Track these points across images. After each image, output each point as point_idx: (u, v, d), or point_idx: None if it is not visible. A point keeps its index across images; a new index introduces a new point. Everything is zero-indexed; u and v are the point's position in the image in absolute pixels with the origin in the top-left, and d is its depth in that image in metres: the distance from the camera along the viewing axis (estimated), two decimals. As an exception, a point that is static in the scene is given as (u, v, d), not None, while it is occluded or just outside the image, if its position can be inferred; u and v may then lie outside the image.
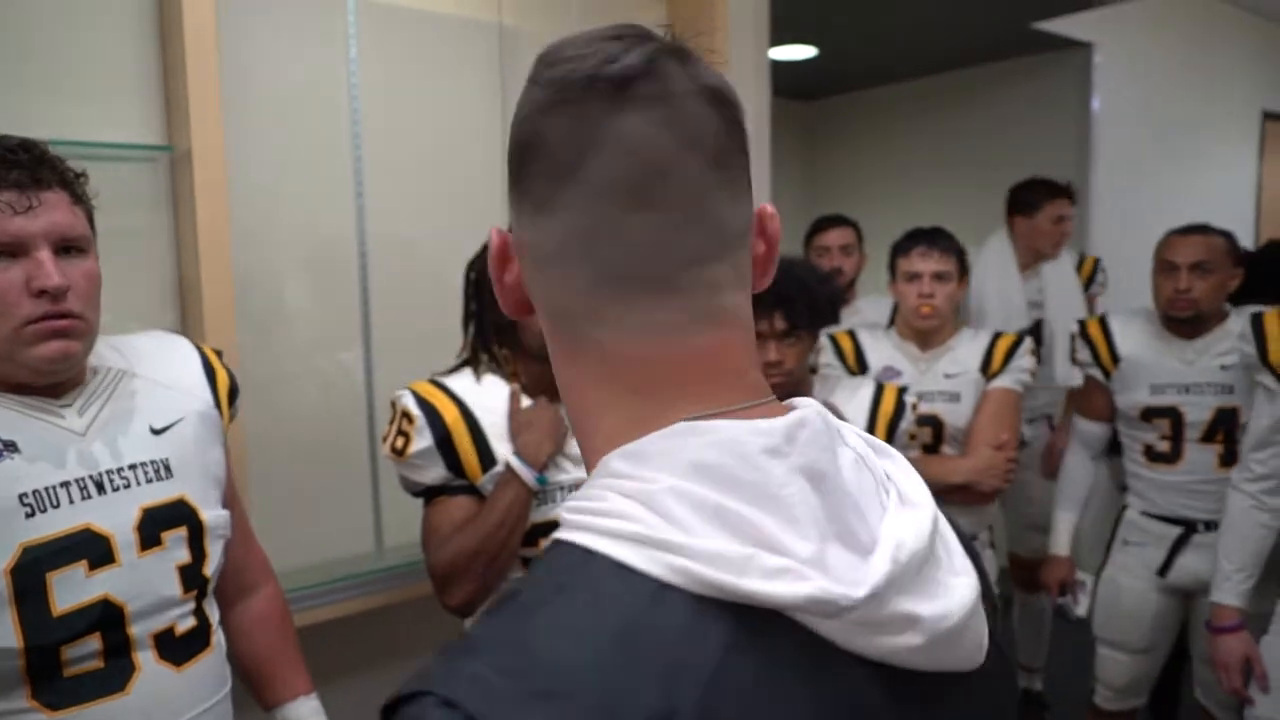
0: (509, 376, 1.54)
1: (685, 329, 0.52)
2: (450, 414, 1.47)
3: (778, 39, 3.41)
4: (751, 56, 2.48)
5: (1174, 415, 2.18)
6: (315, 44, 1.83)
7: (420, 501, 1.52)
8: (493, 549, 1.41)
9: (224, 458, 1.26)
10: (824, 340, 2.29)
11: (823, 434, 0.51)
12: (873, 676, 0.49)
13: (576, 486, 1.51)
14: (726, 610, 0.46)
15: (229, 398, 1.30)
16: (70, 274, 1.03)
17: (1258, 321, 2.00)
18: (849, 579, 0.47)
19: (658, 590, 0.46)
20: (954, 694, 0.53)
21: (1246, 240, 5.11)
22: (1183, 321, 2.19)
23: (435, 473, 1.47)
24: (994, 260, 2.99)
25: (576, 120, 0.51)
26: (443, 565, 1.43)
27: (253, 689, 1.34)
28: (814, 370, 2.20)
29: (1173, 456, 2.21)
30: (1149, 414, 2.21)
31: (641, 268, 0.51)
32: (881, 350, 2.22)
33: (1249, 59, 5.15)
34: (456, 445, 1.46)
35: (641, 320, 0.52)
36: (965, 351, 2.17)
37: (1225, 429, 2.14)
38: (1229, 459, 2.14)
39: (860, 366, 2.21)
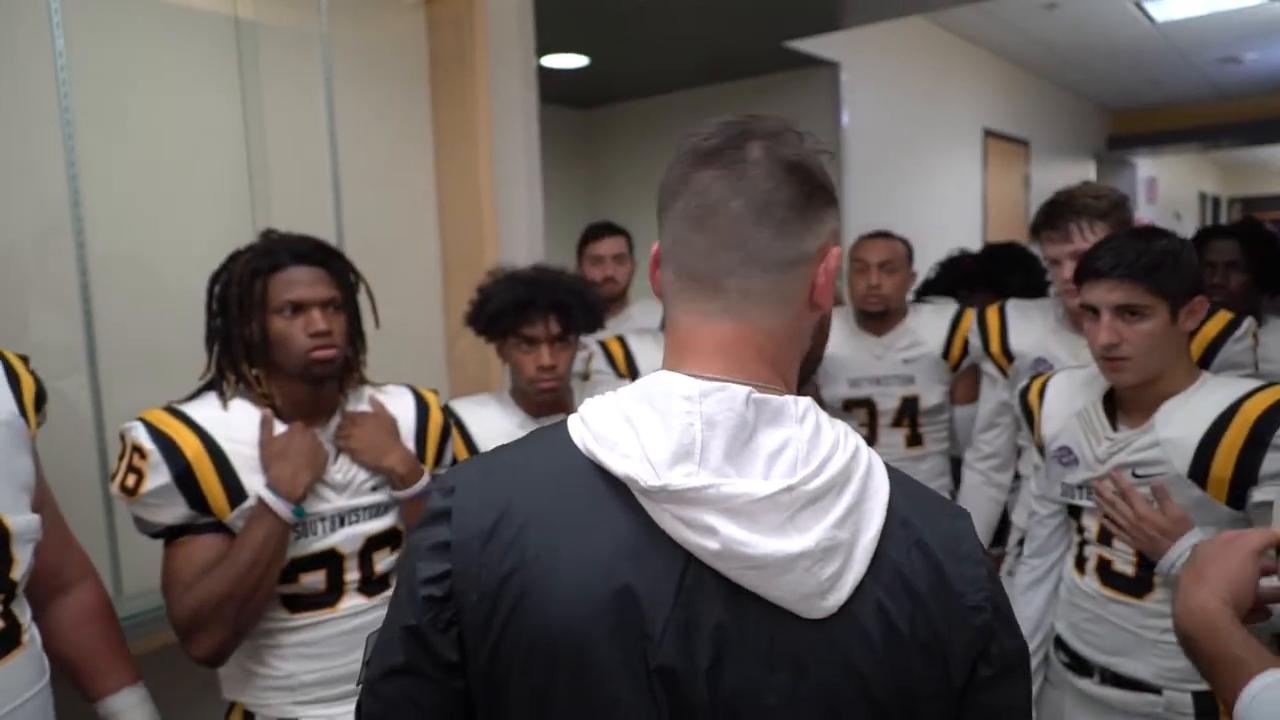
0: (260, 400, 1.43)
1: (715, 317, 0.75)
2: (191, 446, 1.34)
3: (549, 47, 3.42)
4: (518, 63, 2.46)
5: (869, 404, 2.44)
6: (13, 35, 1.61)
7: (161, 543, 1.37)
8: (245, 591, 1.30)
9: (32, 464, 1.22)
10: (595, 347, 2.32)
11: (735, 405, 0.70)
12: (682, 560, 0.69)
13: (340, 516, 1.43)
14: (594, 468, 0.72)
15: (35, 404, 1.25)
16: None
17: (981, 316, 2.27)
18: (665, 476, 0.67)
19: (568, 443, 0.74)
20: (775, 623, 0.68)
21: (976, 240, 5.73)
22: (872, 317, 2.46)
23: (175, 511, 1.33)
24: None
25: (678, 174, 0.76)
26: (188, 613, 1.30)
27: (77, 683, 1.31)
28: (586, 377, 2.21)
29: (870, 440, 2.49)
30: (849, 405, 2.47)
31: (698, 270, 0.75)
32: (650, 354, 2.28)
33: (973, 83, 5.77)
34: (199, 480, 1.33)
35: (693, 306, 0.75)
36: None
37: (910, 414, 2.45)
38: (914, 440, 2.46)
39: (631, 371, 2.25)
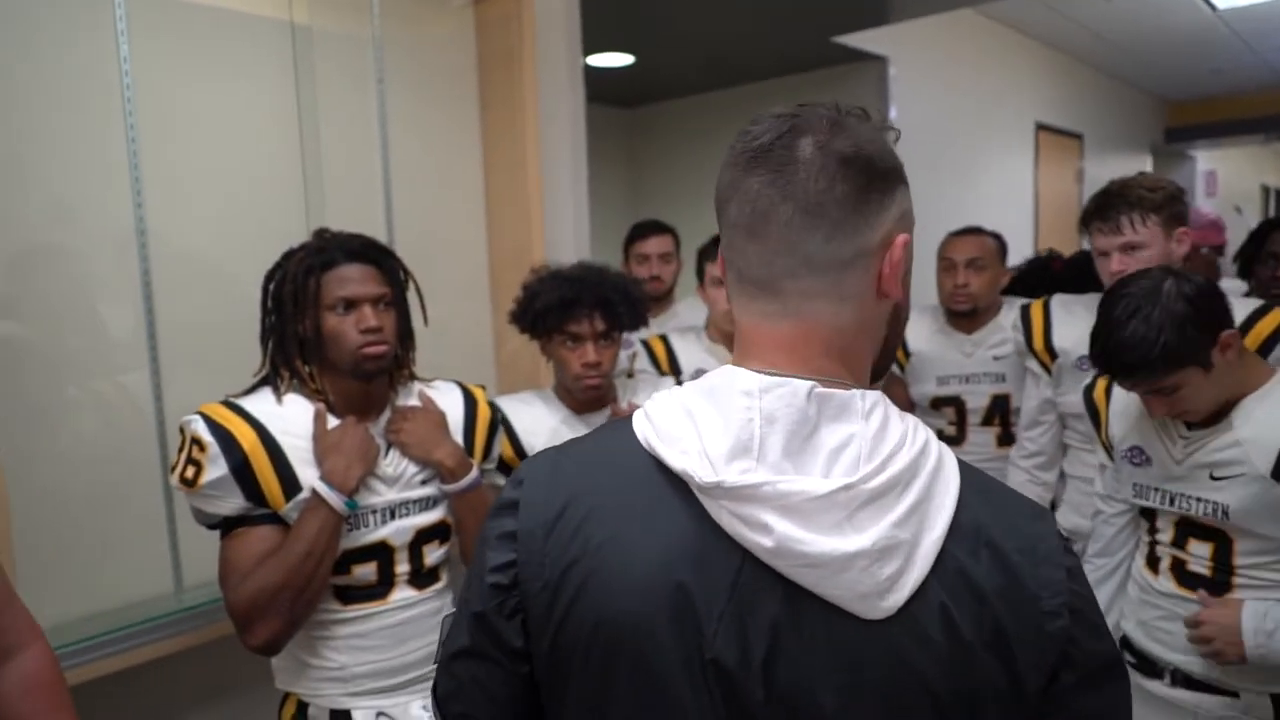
0: (313, 395, 1.46)
1: (776, 317, 0.74)
2: (248, 439, 1.37)
3: (594, 46, 3.43)
4: (565, 62, 2.47)
5: (958, 403, 2.40)
6: (80, 40, 1.66)
7: (218, 534, 1.41)
8: (299, 582, 1.32)
9: None
10: (638, 346, 2.32)
11: (795, 400, 0.70)
12: (738, 556, 0.69)
13: (392, 509, 1.46)
14: (658, 466, 0.72)
15: None
16: None
17: (1025, 312, 2.23)
18: (721, 473, 0.68)
19: (631, 438, 0.75)
20: (831, 622, 0.68)
21: (1028, 236, 5.61)
22: (961, 315, 2.41)
23: (232, 503, 1.36)
24: None
25: (729, 179, 0.75)
26: (244, 602, 1.32)
27: None
28: (630, 375, 2.22)
29: (959, 439, 2.45)
30: (937, 403, 2.43)
31: (756, 276, 0.74)
32: (692, 353, 2.28)
33: (1024, 75, 5.65)
34: (256, 472, 1.36)
35: (753, 307, 0.75)
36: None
37: (1000, 413, 2.41)
38: (1005, 439, 2.40)
39: (673, 369, 2.25)
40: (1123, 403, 1.62)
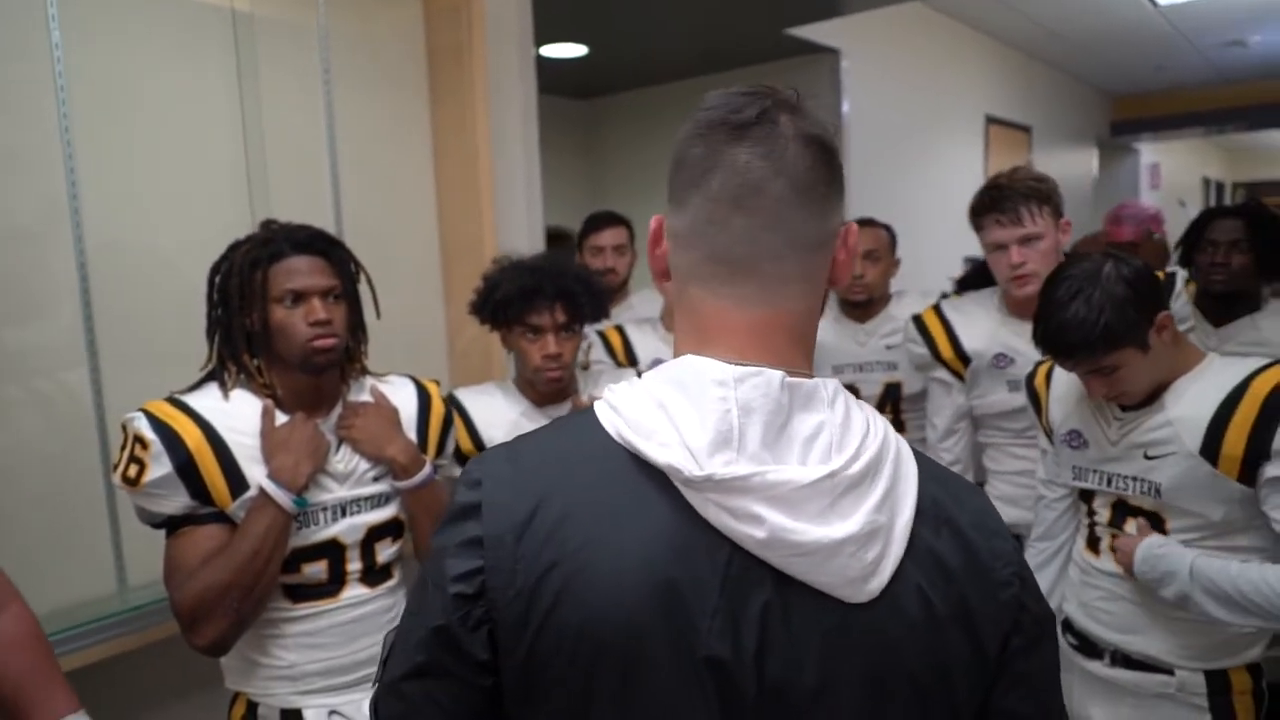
0: (261, 390, 1.43)
1: (748, 302, 0.72)
2: (192, 436, 1.34)
3: (547, 36, 3.41)
4: (516, 53, 2.45)
5: (852, 391, 2.42)
6: (8, 25, 1.61)
7: (163, 533, 1.38)
8: (248, 581, 1.30)
9: None
10: (594, 337, 2.32)
11: (770, 390, 0.69)
12: (726, 549, 0.67)
13: (343, 506, 1.44)
14: (628, 457, 0.70)
15: None
16: None
17: (920, 323, 2.19)
18: (707, 466, 0.66)
19: (599, 431, 0.72)
20: (819, 608, 0.68)
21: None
22: (856, 305, 2.47)
23: (177, 502, 1.33)
24: None
25: (708, 149, 0.72)
26: (190, 602, 1.30)
27: (12, 715, 1.22)
28: (586, 367, 2.21)
29: None
30: None
31: (734, 255, 0.72)
32: (649, 344, 2.28)
33: (974, 69, 5.74)
34: (201, 470, 1.33)
35: (722, 291, 0.72)
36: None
37: (892, 400, 2.46)
38: (896, 426, 2.38)
39: (630, 361, 2.25)
40: (1062, 388, 1.66)
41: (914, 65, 5.03)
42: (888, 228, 2.49)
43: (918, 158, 5.12)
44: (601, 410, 0.73)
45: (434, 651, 0.70)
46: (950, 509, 0.73)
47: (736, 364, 0.70)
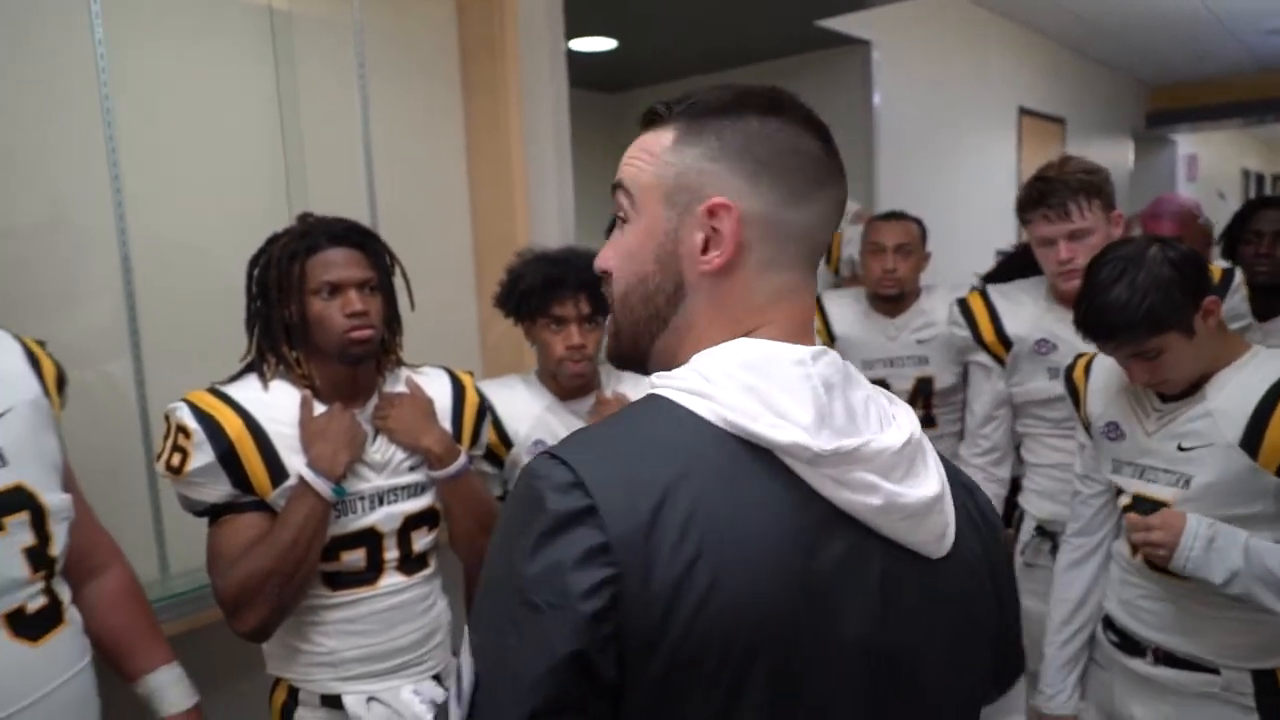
0: (300, 381, 1.45)
1: (801, 292, 0.75)
2: (233, 426, 1.36)
3: (577, 30, 3.41)
4: (547, 47, 2.46)
5: (883, 386, 2.39)
6: (54, 25, 1.64)
7: (205, 521, 1.40)
8: (288, 568, 1.32)
9: (59, 444, 1.28)
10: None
11: (838, 366, 0.72)
12: (841, 524, 0.68)
13: (379, 495, 1.45)
14: (734, 442, 0.67)
15: (57, 386, 1.31)
16: None
17: (965, 306, 2.17)
18: (825, 443, 0.66)
19: (693, 419, 0.68)
20: (915, 570, 0.71)
21: (1010, 222, 5.64)
22: (886, 299, 2.43)
23: (219, 490, 1.36)
24: None
25: (774, 127, 0.74)
26: (232, 589, 1.32)
27: (115, 665, 1.36)
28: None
29: None
30: None
31: (804, 237, 0.74)
32: None
33: (1006, 60, 5.67)
34: (242, 459, 1.36)
35: (779, 280, 0.74)
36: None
37: (924, 395, 2.42)
38: (928, 422, 2.41)
39: None
40: (1101, 380, 1.63)
41: (946, 56, 4.97)
42: (919, 221, 2.47)
43: (949, 150, 5.06)
44: (680, 397, 0.69)
45: (564, 687, 0.60)
46: (951, 470, 0.78)
47: (798, 345, 0.72)
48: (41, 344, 1.32)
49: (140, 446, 1.75)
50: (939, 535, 0.72)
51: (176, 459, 1.35)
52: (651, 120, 0.81)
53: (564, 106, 2.52)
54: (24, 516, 1.17)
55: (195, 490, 1.37)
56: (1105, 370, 1.62)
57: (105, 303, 1.72)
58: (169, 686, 1.37)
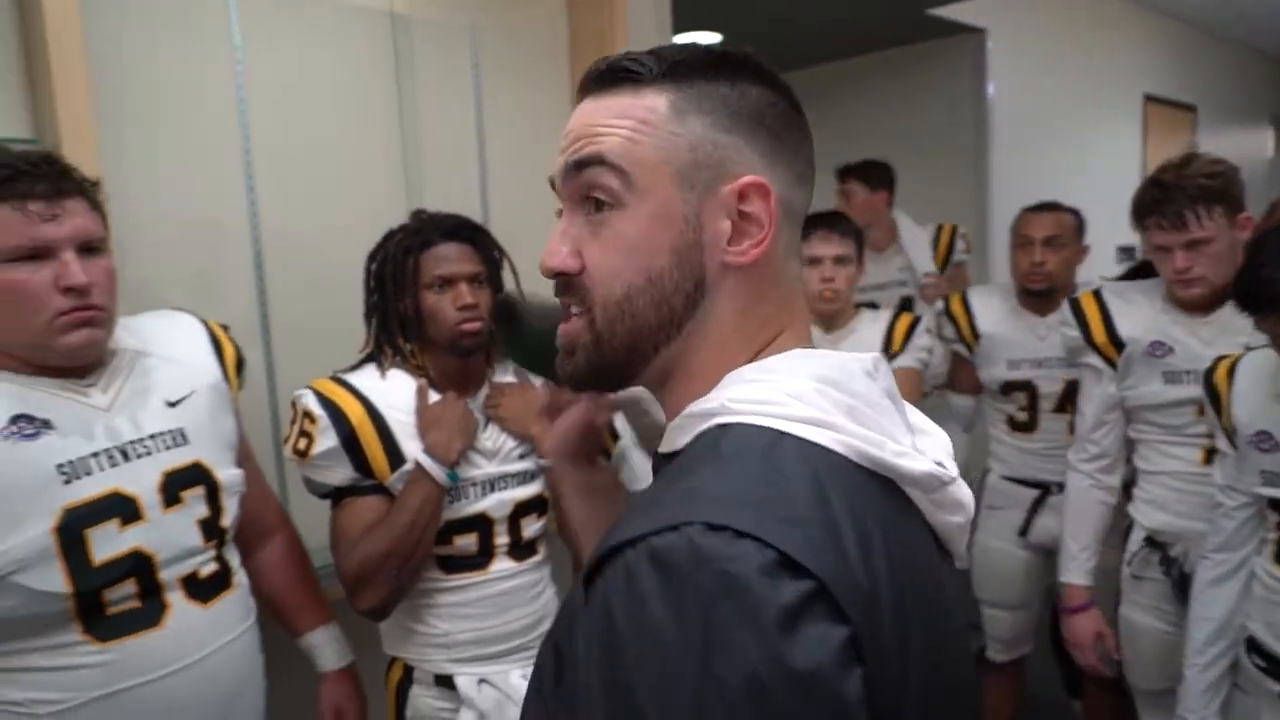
0: (415, 371, 1.50)
1: (798, 285, 0.69)
2: (355, 412, 1.42)
3: (681, 26, 3.42)
4: (654, 42, 2.46)
5: (1030, 388, 2.30)
6: (195, 32, 1.75)
7: (328, 503, 1.47)
8: (405, 550, 1.37)
9: (235, 423, 1.41)
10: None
11: (887, 372, 0.66)
12: (929, 536, 0.65)
13: (490, 482, 1.49)
14: (862, 474, 0.59)
15: (236, 369, 1.45)
16: (92, 272, 1.17)
17: (1076, 305, 2.06)
18: (931, 465, 0.61)
19: (818, 453, 0.57)
20: (951, 578, 0.68)
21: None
22: (1037, 294, 2.30)
23: (341, 473, 1.42)
24: None
25: (785, 106, 0.67)
26: (353, 569, 1.38)
27: (280, 621, 1.51)
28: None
29: (1031, 425, 2.34)
30: (1008, 388, 2.34)
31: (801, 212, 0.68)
32: None
33: (1131, 44, 5.39)
34: (363, 444, 1.42)
35: (793, 269, 0.68)
36: (867, 333, 2.21)
37: (1074, 400, 2.25)
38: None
39: None
40: (1247, 383, 1.53)
41: (1064, 43, 4.76)
42: (1075, 212, 2.32)
43: (1068, 143, 4.85)
44: (794, 428, 0.58)
45: None
46: None
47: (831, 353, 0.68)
48: (225, 328, 1.47)
49: (269, 431, 1.85)
50: (964, 541, 0.71)
51: (303, 443, 1.42)
52: (616, 79, 0.66)
53: (670, 102, 2.53)
54: (200, 491, 1.29)
55: (320, 473, 1.43)
56: (1254, 373, 1.51)
57: (240, 294, 1.82)
58: (324, 645, 1.51)
